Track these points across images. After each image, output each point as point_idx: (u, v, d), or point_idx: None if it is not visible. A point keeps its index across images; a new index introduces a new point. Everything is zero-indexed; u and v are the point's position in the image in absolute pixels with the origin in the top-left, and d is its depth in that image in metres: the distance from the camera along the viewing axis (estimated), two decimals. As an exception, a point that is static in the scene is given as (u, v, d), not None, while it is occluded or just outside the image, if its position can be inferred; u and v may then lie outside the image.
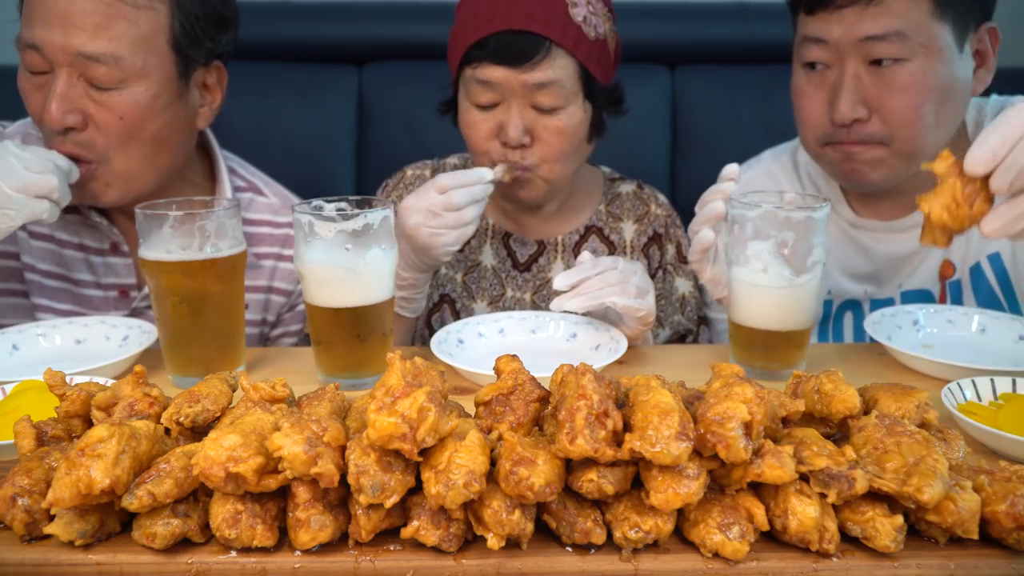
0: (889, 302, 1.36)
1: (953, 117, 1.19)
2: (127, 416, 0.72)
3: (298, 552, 0.63)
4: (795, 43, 1.25)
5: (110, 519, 0.65)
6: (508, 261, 1.44)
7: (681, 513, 0.64)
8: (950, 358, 1.00)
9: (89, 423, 0.75)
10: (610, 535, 0.64)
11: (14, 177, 1.04)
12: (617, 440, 0.63)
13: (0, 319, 1.35)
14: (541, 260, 1.43)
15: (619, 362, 1.08)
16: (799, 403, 0.71)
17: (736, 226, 1.02)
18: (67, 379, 0.77)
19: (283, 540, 0.64)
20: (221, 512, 0.62)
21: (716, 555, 0.62)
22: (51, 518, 0.64)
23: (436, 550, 0.63)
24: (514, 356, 0.78)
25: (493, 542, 0.61)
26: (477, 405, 0.75)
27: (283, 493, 0.64)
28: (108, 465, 0.61)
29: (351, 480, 0.61)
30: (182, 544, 0.64)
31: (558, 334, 1.16)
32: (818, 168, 1.36)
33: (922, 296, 1.34)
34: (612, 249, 1.44)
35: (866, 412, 0.75)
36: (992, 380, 0.90)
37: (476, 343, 1.13)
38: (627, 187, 1.48)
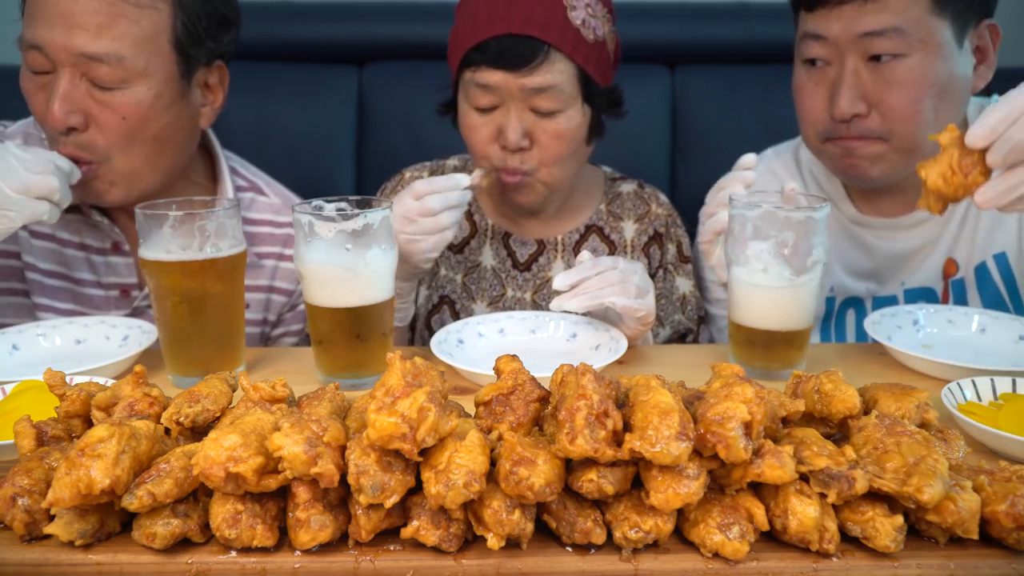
0: (892, 299, 1.36)
1: (953, 113, 1.19)
2: (127, 416, 0.72)
3: (298, 552, 0.64)
4: (796, 40, 1.25)
5: (110, 519, 0.65)
6: (508, 261, 1.44)
7: (681, 513, 0.64)
8: (950, 358, 1.00)
9: (89, 423, 0.75)
10: (610, 535, 0.64)
11: (15, 178, 1.04)
12: (617, 440, 0.63)
13: (1, 318, 1.35)
14: (541, 259, 1.43)
15: (619, 362, 1.08)
16: (799, 403, 0.71)
17: (736, 226, 1.02)
18: (67, 379, 0.77)
19: (283, 540, 0.64)
20: (221, 512, 0.62)
21: (716, 555, 0.63)
22: (51, 518, 0.64)
23: (436, 550, 0.63)
24: (514, 356, 0.78)
25: (493, 542, 0.61)
26: (477, 405, 0.75)
27: (283, 493, 0.64)
28: (108, 465, 0.61)
29: (351, 480, 0.61)
30: (182, 544, 0.64)
31: (558, 334, 1.16)
32: (820, 165, 1.36)
33: (925, 294, 1.34)
34: (612, 248, 1.44)
35: (866, 412, 0.75)
36: (992, 380, 0.90)
37: (476, 343, 1.13)
38: (628, 187, 1.48)
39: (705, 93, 2.00)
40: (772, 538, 0.64)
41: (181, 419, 0.71)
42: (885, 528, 0.61)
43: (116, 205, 1.25)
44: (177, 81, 1.21)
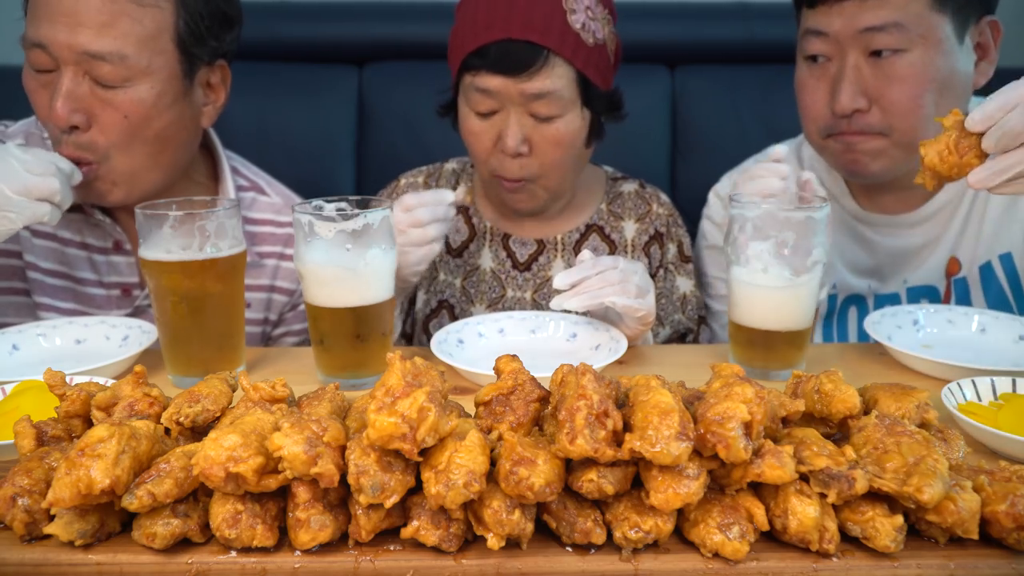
0: (894, 297, 1.36)
1: (953, 108, 1.20)
2: (127, 416, 0.72)
3: (298, 552, 0.64)
4: (798, 37, 1.26)
5: (110, 519, 0.65)
6: (508, 262, 1.44)
7: (681, 513, 0.64)
8: (950, 358, 1.00)
9: (89, 423, 0.75)
10: (610, 535, 0.64)
11: (15, 180, 1.04)
12: (617, 440, 0.63)
13: (2, 317, 1.35)
14: (541, 259, 1.43)
15: (619, 362, 1.08)
16: (799, 403, 0.71)
17: (736, 226, 1.02)
18: (67, 379, 0.77)
19: (283, 540, 0.64)
20: (221, 512, 0.62)
21: (716, 555, 0.62)
22: (51, 518, 0.64)
23: (436, 550, 0.63)
24: (514, 356, 0.78)
25: (493, 542, 0.61)
26: (477, 405, 0.75)
27: (283, 493, 0.64)
28: (108, 465, 0.61)
29: (351, 480, 0.61)
30: (182, 544, 0.64)
31: (558, 334, 1.16)
32: (823, 163, 1.36)
33: (927, 292, 1.35)
34: (613, 248, 1.44)
35: (866, 412, 0.75)
36: (992, 380, 0.90)
37: (476, 343, 1.13)
38: (629, 186, 1.48)
39: (705, 93, 2.00)
40: (772, 538, 0.64)
41: (181, 419, 0.71)
42: (885, 528, 0.61)
43: (118, 205, 1.25)
44: (179, 80, 1.21)
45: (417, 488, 0.63)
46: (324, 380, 1.02)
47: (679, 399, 0.64)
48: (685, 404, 0.67)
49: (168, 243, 0.97)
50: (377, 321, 1.01)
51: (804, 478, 0.64)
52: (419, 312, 1.47)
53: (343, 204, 1.01)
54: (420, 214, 1.14)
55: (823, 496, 0.62)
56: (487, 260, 1.44)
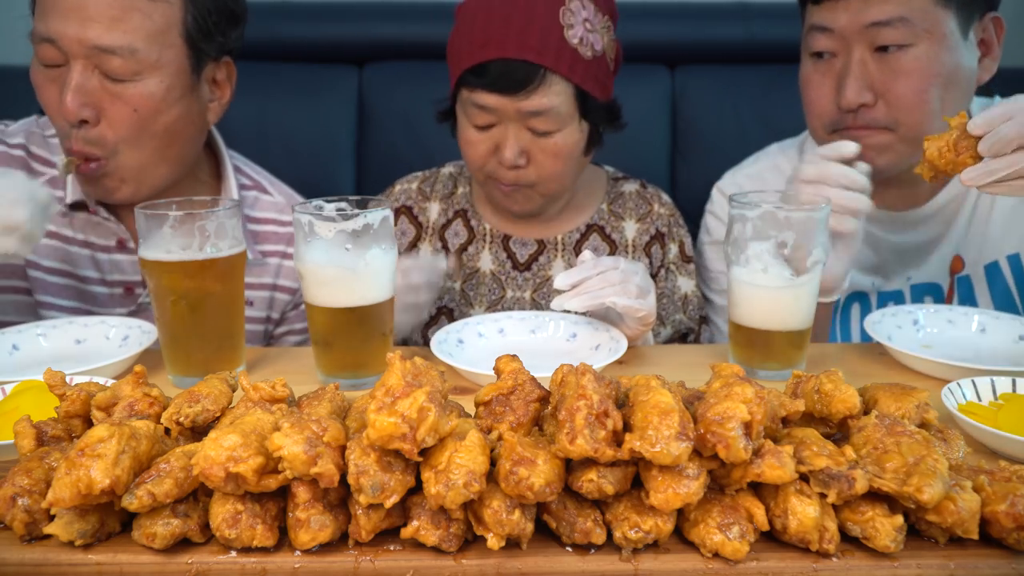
0: (898, 294, 1.36)
1: (958, 103, 1.21)
2: (127, 416, 0.72)
3: (298, 552, 0.63)
4: (803, 34, 1.26)
5: (110, 519, 0.65)
6: (508, 263, 1.44)
7: (681, 513, 0.64)
8: (950, 358, 1.00)
9: (89, 423, 0.75)
10: (610, 535, 0.64)
11: None
12: (617, 440, 0.63)
13: (2, 316, 1.35)
14: (541, 259, 1.43)
15: (619, 362, 1.08)
16: (799, 403, 0.71)
17: (736, 226, 1.02)
18: (67, 379, 0.77)
19: (283, 540, 0.64)
20: (221, 512, 0.62)
21: (716, 555, 0.62)
22: (51, 518, 0.64)
23: (436, 550, 0.63)
24: (514, 356, 0.78)
25: (493, 542, 0.61)
26: (477, 405, 0.75)
27: (283, 493, 0.64)
28: (108, 465, 0.61)
29: (351, 480, 0.61)
30: (182, 544, 0.64)
31: (558, 334, 1.16)
32: None
33: (931, 290, 1.35)
34: (613, 248, 1.44)
35: (866, 412, 0.75)
36: (992, 380, 0.89)
37: (476, 343, 1.13)
38: (630, 186, 1.48)
39: (705, 93, 2.00)
40: (772, 538, 0.64)
41: (181, 419, 0.71)
42: (885, 528, 0.61)
43: (125, 202, 1.25)
44: (188, 74, 1.22)
45: (417, 488, 0.63)
46: (324, 380, 1.02)
47: (679, 399, 0.64)
48: (685, 404, 0.67)
49: (168, 243, 0.97)
50: (377, 321, 1.01)
51: (804, 478, 0.64)
52: None
53: (343, 204, 1.01)
54: (415, 277, 1.20)
55: (823, 496, 0.62)
56: (487, 262, 1.44)
